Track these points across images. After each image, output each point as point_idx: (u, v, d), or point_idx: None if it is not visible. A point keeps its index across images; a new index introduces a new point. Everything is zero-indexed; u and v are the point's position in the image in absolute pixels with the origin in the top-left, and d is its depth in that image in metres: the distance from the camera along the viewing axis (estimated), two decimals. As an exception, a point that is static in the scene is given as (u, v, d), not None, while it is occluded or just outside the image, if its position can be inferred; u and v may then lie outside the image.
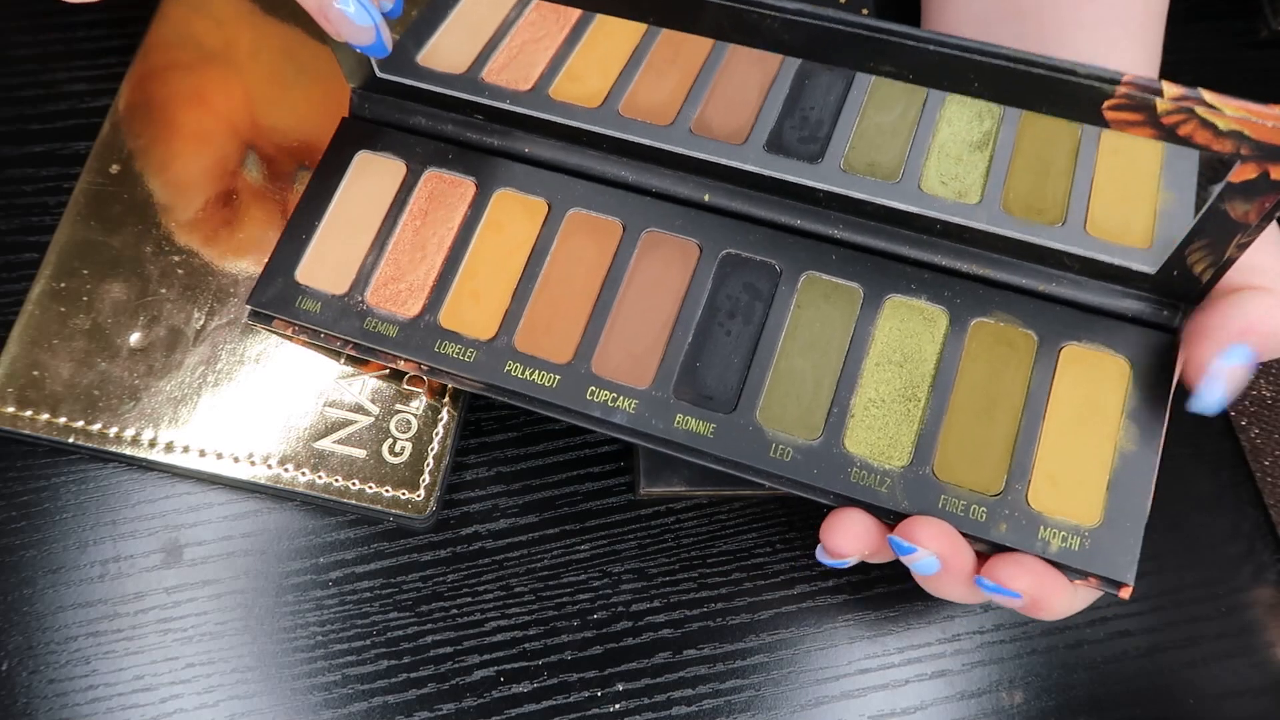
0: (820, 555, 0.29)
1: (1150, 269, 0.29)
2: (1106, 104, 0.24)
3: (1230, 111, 0.23)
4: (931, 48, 0.24)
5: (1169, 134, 0.24)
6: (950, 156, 0.32)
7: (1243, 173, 0.24)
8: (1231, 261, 0.27)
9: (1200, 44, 0.46)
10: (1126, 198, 0.31)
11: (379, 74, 0.34)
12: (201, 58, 0.39)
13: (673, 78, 0.34)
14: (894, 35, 0.24)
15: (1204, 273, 0.28)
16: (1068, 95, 0.24)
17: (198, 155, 0.37)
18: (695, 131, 0.33)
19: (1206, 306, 0.28)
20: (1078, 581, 0.27)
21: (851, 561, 0.28)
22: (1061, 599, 0.27)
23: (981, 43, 0.24)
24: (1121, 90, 0.23)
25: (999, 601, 0.27)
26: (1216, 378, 0.27)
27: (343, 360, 0.35)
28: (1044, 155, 0.32)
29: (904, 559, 0.27)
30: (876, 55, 0.25)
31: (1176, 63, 0.38)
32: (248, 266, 0.36)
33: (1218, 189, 0.25)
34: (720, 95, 0.34)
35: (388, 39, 0.29)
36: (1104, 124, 0.24)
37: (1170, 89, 0.23)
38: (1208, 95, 0.23)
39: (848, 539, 0.28)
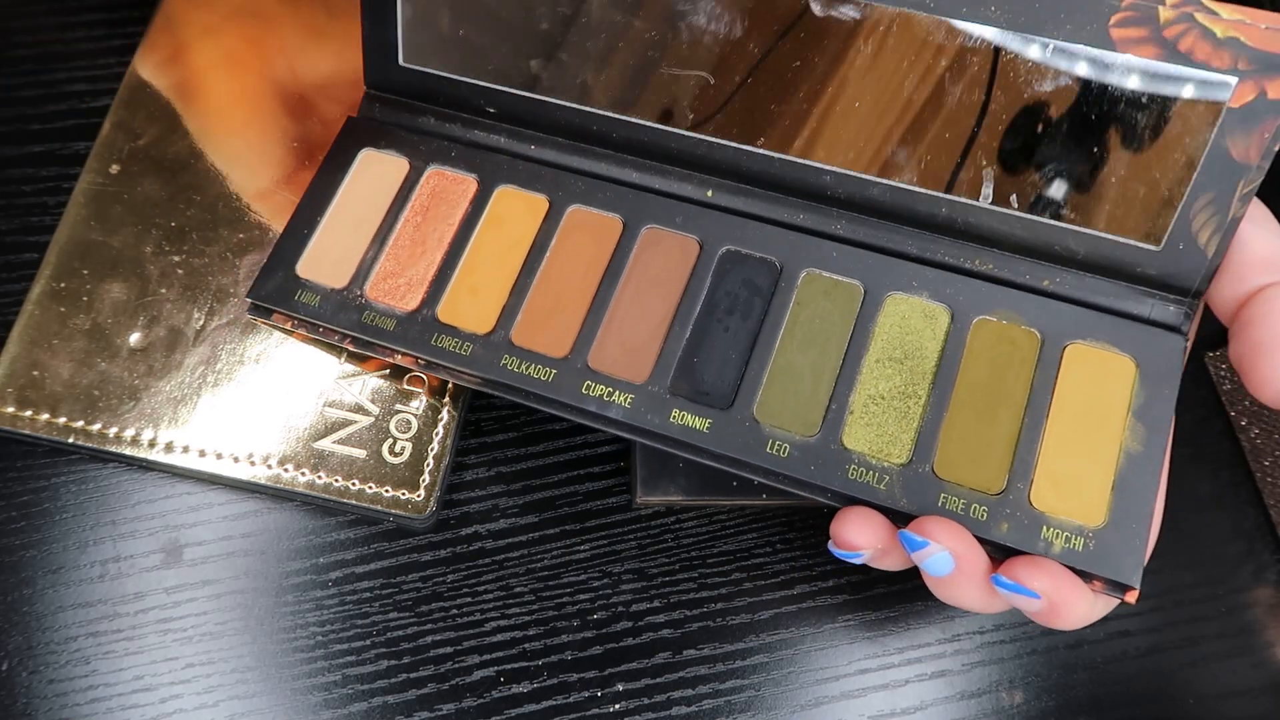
0: (832, 547, 0.28)
1: (1155, 247, 0.28)
2: (1113, 20, 0.24)
3: (1226, 15, 0.24)
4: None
5: (1170, 50, 0.24)
6: None
7: (1242, 94, 0.24)
8: (1237, 221, 0.27)
9: (1200, 44, 0.46)
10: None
11: (402, 63, 0.34)
12: (226, 16, 0.39)
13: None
14: None
15: (1209, 241, 0.27)
16: (1076, 12, 0.24)
17: (253, 118, 0.38)
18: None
19: (1242, 325, 0.27)
20: (1092, 584, 0.27)
21: (863, 556, 0.28)
22: (1080, 605, 0.27)
23: None
24: (1127, 2, 0.24)
25: (1016, 603, 0.27)
26: None
27: (343, 359, 0.35)
28: None
29: (915, 555, 0.27)
30: None
31: (1176, 63, 0.38)
32: (248, 266, 0.36)
33: (1218, 121, 0.25)
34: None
35: None
36: (1111, 45, 0.24)
37: None
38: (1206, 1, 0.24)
39: (858, 531, 0.27)
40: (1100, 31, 0.24)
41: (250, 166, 0.37)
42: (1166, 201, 0.28)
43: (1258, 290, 0.27)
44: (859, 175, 0.31)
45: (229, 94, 0.38)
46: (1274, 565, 0.36)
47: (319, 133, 0.38)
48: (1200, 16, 0.24)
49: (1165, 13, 0.24)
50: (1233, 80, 0.24)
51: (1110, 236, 0.29)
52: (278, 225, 0.36)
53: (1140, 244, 0.29)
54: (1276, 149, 0.25)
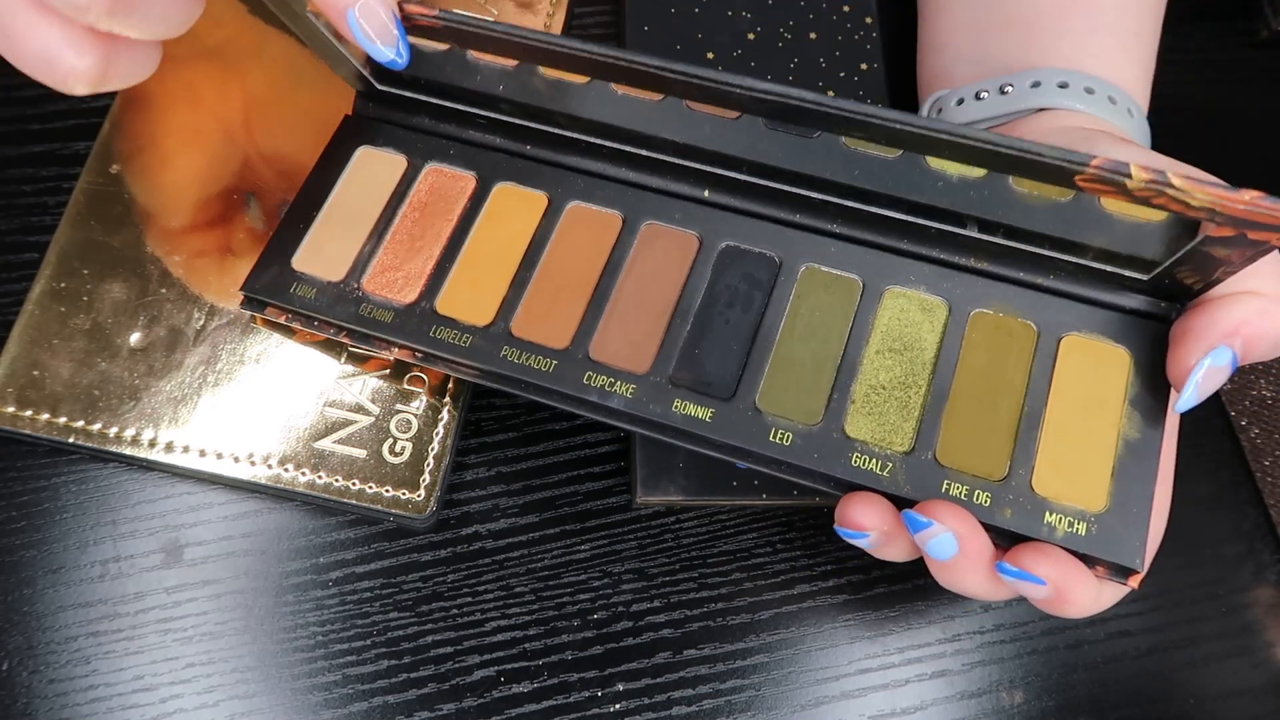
0: (837, 528, 0.29)
1: (1143, 276, 0.29)
2: (1078, 179, 0.24)
3: (1201, 196, 0.23)
4: (896, 126, 0.24)
5: (1143, 202, 0.24)
6: None
7: (1221, 231, 0.24)
8: (1220, 281, 0.27)
9: (1200, 44, 0.46)
10: None
11: (379, 87, 0.34)
12: (198, 53, 0.39)
13: None
14: (859, 115, 0.24)
15: (1194, 284, 0.28)
16: (1038, 171, 0.24)
17: (191, 158, 0.37)
18: (691, 106, 0.33)
19: (1196, 308, 0.28)
20: (1095, 569, 0.27)
21: (868, 538, 0.28)
22: (1085, 592, 0.27)
23: (949, 126, 0.24)
24: (1090, 170, 0.23)
25: (1022, 590, 0.27)
26: (1198, 377, 0.27)
27: (343, 359, 0.35)
28: None
29: (918, 537, 0.27)
30: (845, 127, 0.25)
31: (1177, 63, 0.38)
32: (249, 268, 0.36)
33: (1198, 236, 0.25)
34: None
35: (404, 48, 0.28)
36: (1078, 190, 0.24)
37: (1139, 173, 0.23)
38: (1176, 180, 0.23)
39: (864, 512, 0.28)
40: (1067, 182, 0.24)
41: (166, 204, 0.36)
42: (1151, 261, 0.29)
43: (1227, 295, 0.28)
44: (846, 203, 0.31)
45: (172, 125, 0.37)
46: (1274, 565, 0.36)
47: (249, 187, 0.37)
48: (1170, 192, 0.23)
49: (1133, 184, 0.23)
50: (1211, 225, 0.24)
51: (1099, 266, 0.29)
52: (180, 274, 0.35)
53: (1129, 273, 0.29)
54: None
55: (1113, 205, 0.30)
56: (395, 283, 0.32)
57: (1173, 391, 0.29)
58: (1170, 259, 0.27)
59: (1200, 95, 0.45)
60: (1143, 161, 0.24)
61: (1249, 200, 0.23)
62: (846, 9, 0.43)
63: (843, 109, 0.25)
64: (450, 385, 0.35)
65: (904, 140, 0.25)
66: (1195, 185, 0.23)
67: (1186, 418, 0.31)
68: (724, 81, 0.25)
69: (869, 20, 0.43)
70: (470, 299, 0.32)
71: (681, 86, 0.26)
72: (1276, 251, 0.29)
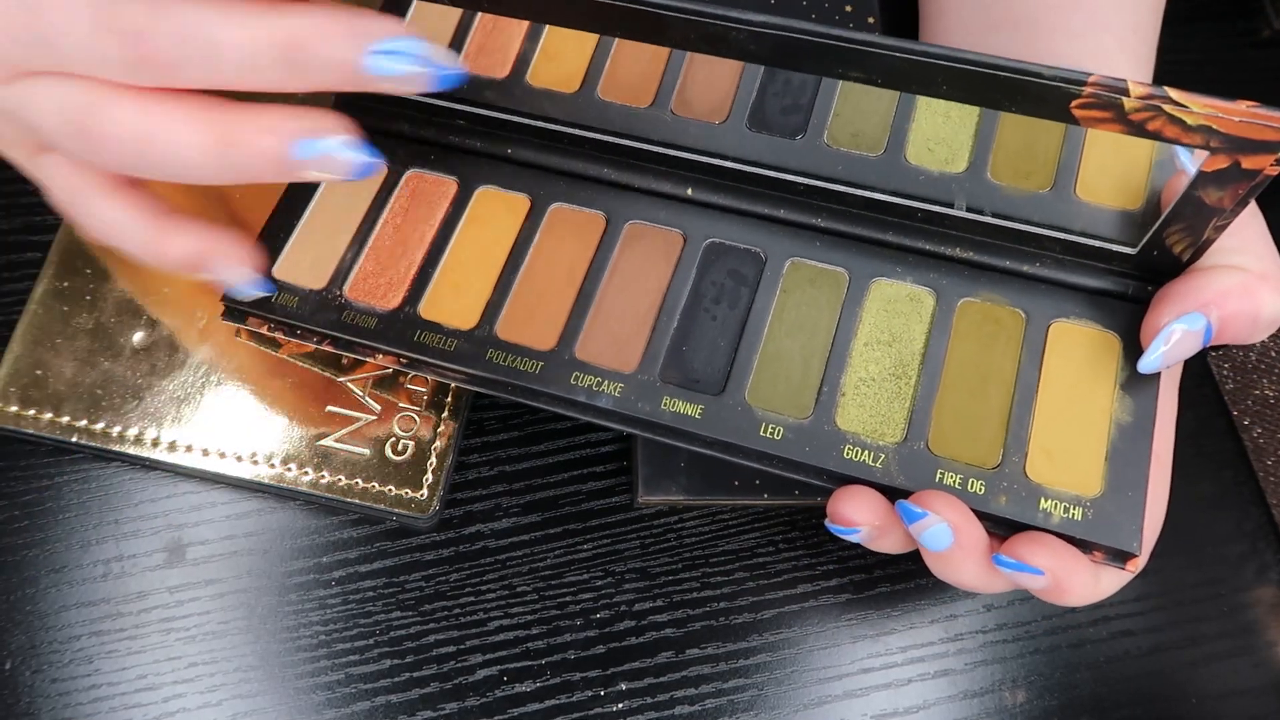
0: (829, 524, 0.28)
1: (1131, 249, 0.29)
2: (1074, 103, 0.24)
3: (1197, 109, 0.23)
4: (897, 55, 0.24)
5: (1138, 129, 0.24)
6: (939, 113, 0.32)
7: (1214, 163, 0.24)
8: (1210, 242, 0.27)
9: (1201, 44, 0.46)
10: (1121, 144, 0.31)
11: None
12: None
13: (651, 46, 0.34)
14: (859, 44, 0.24)
15: (1184, 252, 0.28)
16: (1035, 96, 0.24)
17: None
18: (676, 112, 0.33)
19: (1180, 277, 0.28)
20: (1093, 554, 0.27)
21: (860, 533, 0.28)
22: (1084, 580, 0.27)
23: (947, 48, 0.24)
24: (1088, 90, 0.23)
25: (1019, 580, 0.27)
26: (1166, 336, 0.27)
27: (344, 360, 0.35)
28: None
29: (913, 528, 0.27)
30: (843, 63, 0.25)
31: (1177, 62, 0.38)
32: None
33: (1191, 178, 0.25)
34: (700, 62, 0.34)
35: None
36: (1074, 121, 0.24)
37: (1137, 88, 0.23)
38: (1174, 93, 0.23)
39: (856, 507, 0.28)
40: (1062, 111, 0.24)
41: None
42: (1140, 224, 0.29)
43: (1212, 266, 0.28)
44: (831, 187, 0.31)
45: None
46: (1276, 565, 0.36)
47: None
48: (1168, 108, 0.23)
49: (1130, 103, 0.23)
50: (1205, 154, 0.24)
51: (1086, 240, 0.29)
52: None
53: (1116, 247, 0.29)
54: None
55: (1090, 194, 0.30)
56: (378, 289, 0.32)
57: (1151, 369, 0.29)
58: (1163, 215, 0.27)
59: (1201, 95, 0.45)
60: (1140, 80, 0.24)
61: (1245, 110, 0.23)
62: (849, 9, 0.43)
63: (839, 38, 0.24)
64: (453, 384, 0.35)
65: (901, 70, 0.25)
66: (1192, 97, 0.23)
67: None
68: (722, 16, 0.25)
69: (871, 20, 0.43)
70: (454, 303, 0.32)
71: (681, 24, 0.25)
72: (1263, 228, 0.29)
